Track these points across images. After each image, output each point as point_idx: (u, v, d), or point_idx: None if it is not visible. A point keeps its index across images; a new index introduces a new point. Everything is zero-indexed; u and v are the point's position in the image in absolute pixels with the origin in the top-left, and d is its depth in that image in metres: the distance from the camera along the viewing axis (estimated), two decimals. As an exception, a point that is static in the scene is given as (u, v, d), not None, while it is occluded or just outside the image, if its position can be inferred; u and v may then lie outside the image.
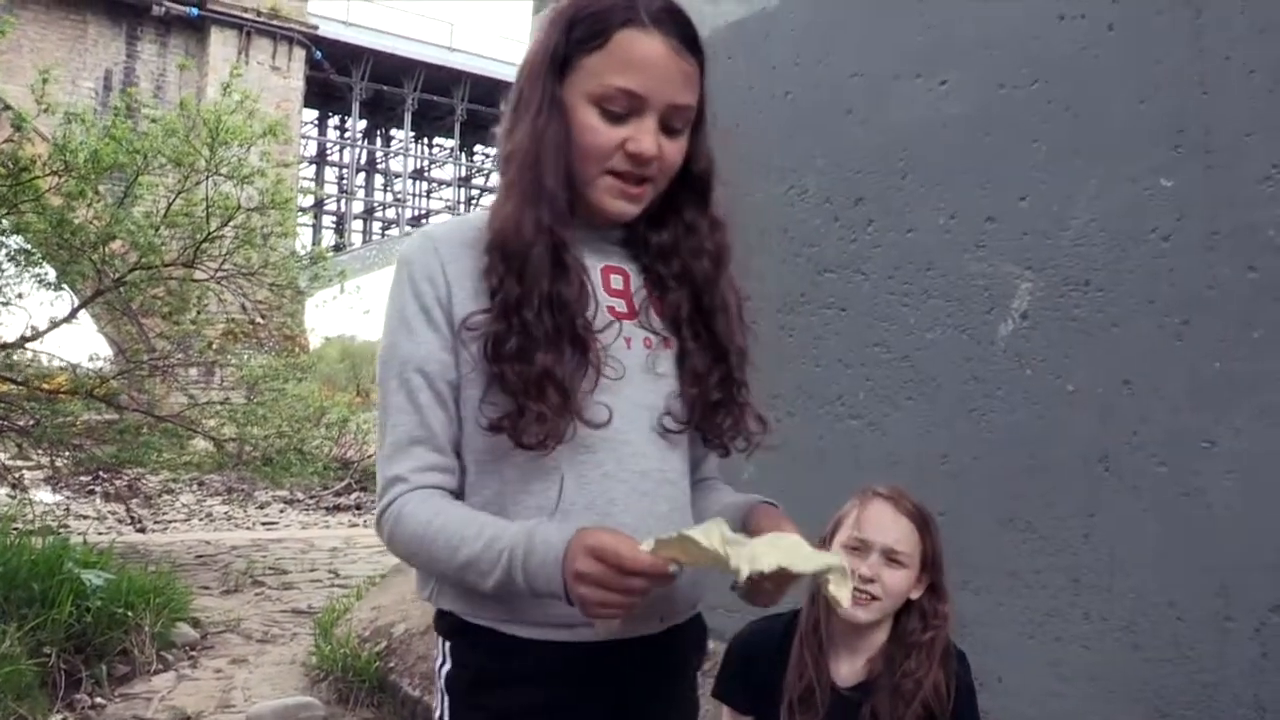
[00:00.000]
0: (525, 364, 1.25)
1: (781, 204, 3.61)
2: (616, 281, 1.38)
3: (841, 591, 1.23)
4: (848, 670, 1.89)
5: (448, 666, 1.37)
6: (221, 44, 25.08)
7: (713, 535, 1.13)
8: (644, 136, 1.27)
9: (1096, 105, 2.70)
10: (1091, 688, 2.60)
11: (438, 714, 1.40)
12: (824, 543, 1.87)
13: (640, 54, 1.25)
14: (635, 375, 1.34)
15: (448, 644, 1.38)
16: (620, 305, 1.37)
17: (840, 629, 1.89)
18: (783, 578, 1.19)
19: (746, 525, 1.35)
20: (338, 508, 14.33)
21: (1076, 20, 2.75)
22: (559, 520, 1.27)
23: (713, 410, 1.39)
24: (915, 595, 1.89)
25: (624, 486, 1.31)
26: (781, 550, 1.16)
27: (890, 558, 1.84)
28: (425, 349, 1.29)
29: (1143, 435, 2.53)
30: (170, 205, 9.26)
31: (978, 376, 2.90)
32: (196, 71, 24.26)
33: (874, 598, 1.83)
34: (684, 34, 1.28)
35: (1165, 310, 2.51)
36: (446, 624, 1.38)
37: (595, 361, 1.29)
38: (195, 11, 24.87)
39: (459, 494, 1.33)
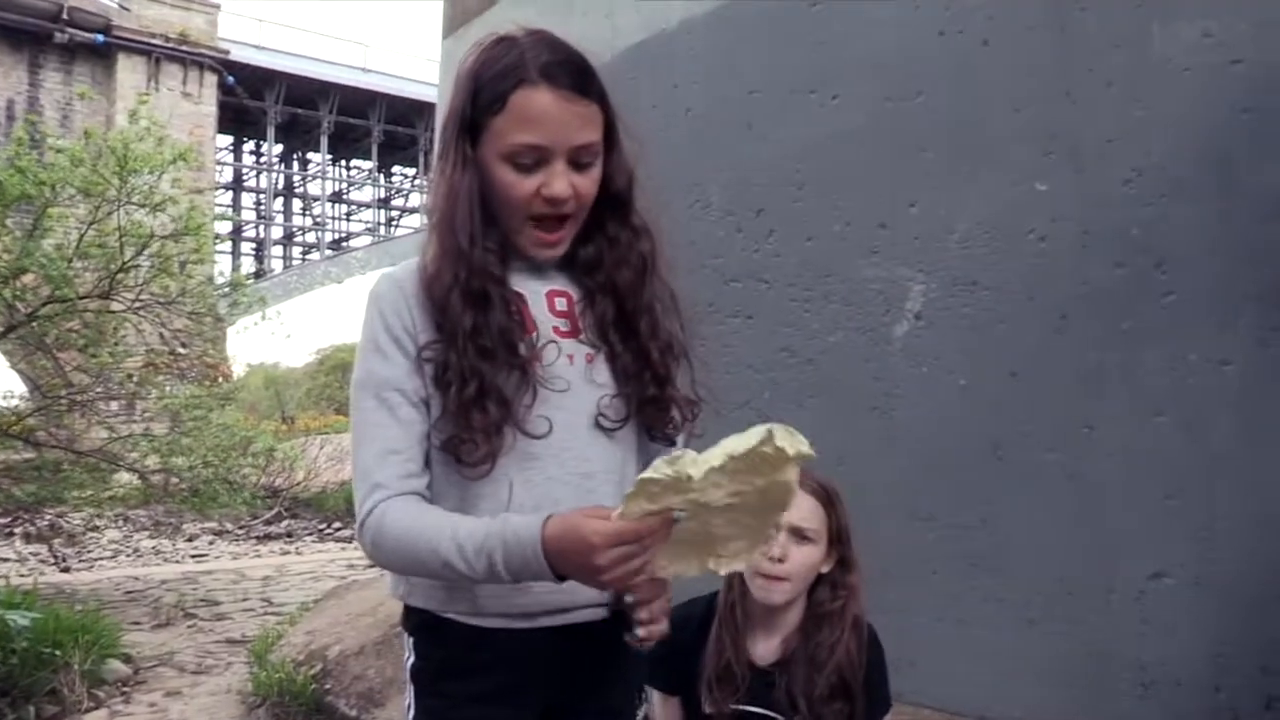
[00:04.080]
0: (461, 388, 1.39)
1: (687, 217, 3.72)
2: (560, 304, 1.51)
3: (796, 443, 1.23)
4: (764, 648, 1.99)
5: (413, 659, 1.51)
6: (130, 71, 24.64)
7: (658, 467, 1.23)
8: (555, 181, 1.40)
9: (975, 115, 2.87)
10: (994, 665, 2.75)
11: (406, 703, 1.52)
12: None
13: (535, 110, 1.38)
14: (577, 386, 1.47)
15: (412, 639, 1.51)
16: (564, 325, 1.50)
17: (756, 610, 1.99)
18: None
19: None
20: (268, 536, 14.17)
21: (955, 36, 2.92)
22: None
23: (649, 405, 1.53)
24: (825, 569, 1.99)
25: (567, 488, 1.44)
26: (719, 446, 1.24)
27: (798, 535, 1.93)
28: (399, 371, 1.43)
29: (1031, 424, 2.70)
30: (82, 236, 9.10)
31: (877, 376, 3.05)
32: (105, 100, 23.82)
33: (783, 579, 1.92)
34: (574, 81, 1.41)
35: (1045, 306, 2.68)
36: (414, 620, 1.50)
37: (533, 379, 1.42)
38: (101, 38, 24.39)
39: (432, 502, 1.46)
